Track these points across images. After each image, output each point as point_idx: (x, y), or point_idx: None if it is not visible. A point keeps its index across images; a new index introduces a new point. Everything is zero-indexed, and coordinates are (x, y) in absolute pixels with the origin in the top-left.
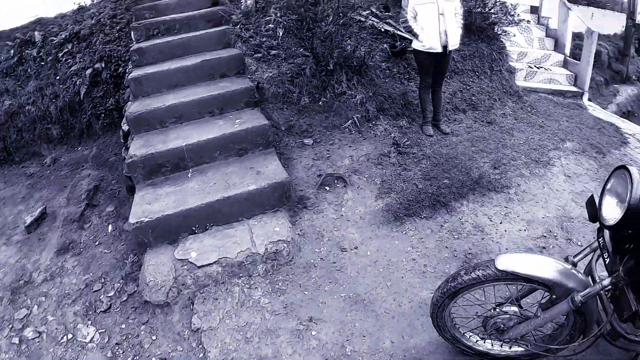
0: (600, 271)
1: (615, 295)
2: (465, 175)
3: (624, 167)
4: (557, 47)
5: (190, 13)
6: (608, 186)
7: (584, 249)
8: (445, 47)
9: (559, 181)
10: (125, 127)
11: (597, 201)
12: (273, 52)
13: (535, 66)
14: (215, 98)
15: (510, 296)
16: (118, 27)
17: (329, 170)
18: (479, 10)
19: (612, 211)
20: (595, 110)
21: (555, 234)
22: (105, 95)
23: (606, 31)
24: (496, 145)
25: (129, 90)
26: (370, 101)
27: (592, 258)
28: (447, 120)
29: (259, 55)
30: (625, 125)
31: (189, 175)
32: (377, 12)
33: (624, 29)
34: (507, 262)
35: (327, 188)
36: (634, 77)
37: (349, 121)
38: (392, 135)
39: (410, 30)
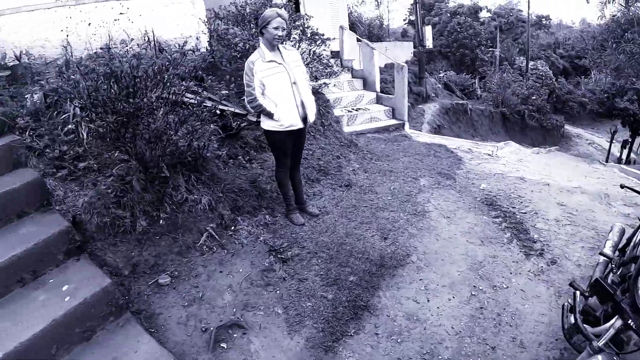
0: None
1: None
2: (365, 261)
3: None
4: (367, 86)
5: None
6: None
7: (608, 332)
8: (305, 119)
9: (443, 226)
10: None
11: (605, 283)
12: (81, 164)
13: (353, 109)
14: (21, 259)
15: None
16: None
17: (213, 316)
18: None
19: None
20: (419, 136)
21: (480, 287)
22: None
23: (399, 60)
24: (370, 211)
25: None
26: (221, 202)
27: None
28: (308, 198)
29: (64, 172)
30: (448, 142)
31: None
32: (195, 89)
33: (412, 55)
34: None
35: (225, 345)
36: (432, 94)
37: (204, 235)
38: (262, 239)
39: (262, 110)
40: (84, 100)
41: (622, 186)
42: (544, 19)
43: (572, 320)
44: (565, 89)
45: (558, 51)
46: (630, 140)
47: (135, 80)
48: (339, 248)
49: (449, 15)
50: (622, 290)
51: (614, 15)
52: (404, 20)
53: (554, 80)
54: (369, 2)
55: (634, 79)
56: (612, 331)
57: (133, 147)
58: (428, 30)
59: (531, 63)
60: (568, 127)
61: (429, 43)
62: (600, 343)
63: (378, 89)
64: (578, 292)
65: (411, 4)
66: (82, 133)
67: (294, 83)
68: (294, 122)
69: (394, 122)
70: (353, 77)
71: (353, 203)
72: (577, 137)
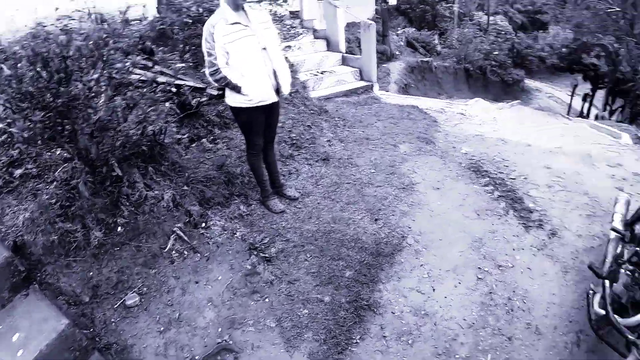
0: None
1: None
2: (360, 251)
3: None
4: (330, 46)
5: None
6: None
7: None
8: (278, 91)
9: (435, 200)
10: None
11: None
12: (17, 171)
13: (318, 72)
14: None
15: None
16: None
17: (196, 341)
18: None
19: None
20: (389, 97)
21: (485, 268)
22: None
23: (361, 18)
24: (355, 188)
25: None
26: (187, 196)
27: None
28: (284, 178)
29: None
30: (419, 102)
31: None
32: (145, 63)
33: (374, 13)
34: None
35: None
36: (396, 52)
37: (171, 239)
38: (238, 235)
39: (227, 84)
40: (8, 95)
41: None
42: None
43: (600, 311)
44: (525, 44)
45: (515, 6)
46: (591, 93)
47: (66, 62)
48: (328, 237)
49: None
50: None
51: None
52: None
53: (513, 35)
54: None
55: (600, 35)
56: None
57: (75, 144)
58: None
59: (491, 19)
60: (528, 81)
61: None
62: None
63: (343, 50)
64: (607, 282)
65: None
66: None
67: (264, 49)
68: (266, 96)
69: (362, 83)
70: (315, 38)
71: (334, 180)
72: (537, 90)
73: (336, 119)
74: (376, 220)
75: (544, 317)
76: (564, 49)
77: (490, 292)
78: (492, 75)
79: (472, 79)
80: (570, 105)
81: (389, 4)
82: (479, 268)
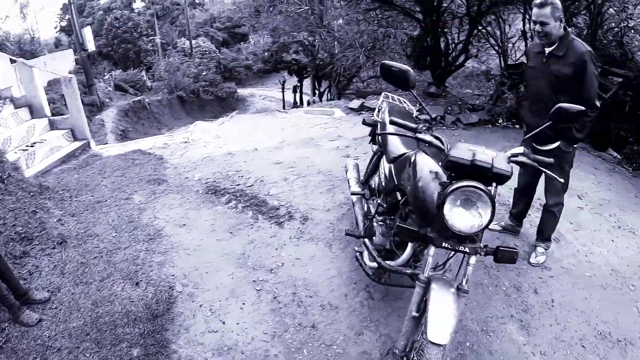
0: None
1: None
2: (135, 323)
3: (472, 187)
4: (35, 113)
5: None
6: (451, 203)
7: (428, 263)
8: None
9: (185, 237)
10: None
11: (406, 226)
12: None
13: (28, 146)
14: None
15: None
16: None
17: None
18: None
19: (470, 220)
20: (109, 149)
21: (259, 279)
22: None
23: (61, 73)
24: (103, 260)
25: None
26: None
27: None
28: (26, 282)
29: None
30: (141, 145)
31: None
32: None
33: (75, 64)
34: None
35: None
36: (106, 100)
37: None
38: None
39: None
40: None
41: (363, 122)
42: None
43: (373, 264)
44: (230, 57)
45: (215, 25)
46: (299, 84)
47: None
48: (98, 325)
49: (102, 12)
50: (401, 217)
51: None
52: (55, 28)
53: (217, 52)
54: (13, 15)
55: (295, 33)
56: (430, 259)
57: None
58: (88, 32)
59: (194, 42)
60: (241, 91)
61: (91, 45)
62: (426, 274)
63: (48, 113)
64: (367, 240)
65: (61, 9)
66: None
67: None
68: None
69: (77, 144)
70: (16, 107)
71: (80, 260)
72: (251, 96)
73: (60, 192)
74: (137, 284)
75: (331, 292)
76: (266, 53)
77: (275, 297)
78: (206, 94)
79: (188, 104)
80: (283, 100)
81: (89, 50)
82: (254, 281)
